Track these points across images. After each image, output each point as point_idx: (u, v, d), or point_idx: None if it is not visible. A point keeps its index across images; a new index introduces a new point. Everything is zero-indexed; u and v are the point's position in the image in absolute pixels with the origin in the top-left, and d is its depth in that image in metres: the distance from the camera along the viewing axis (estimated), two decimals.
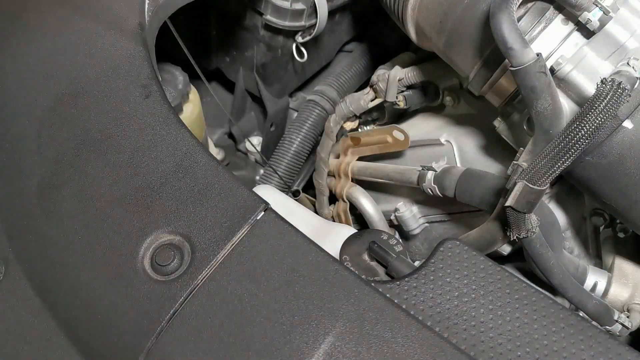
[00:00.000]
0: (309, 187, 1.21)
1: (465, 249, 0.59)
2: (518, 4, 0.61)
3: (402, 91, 0.99)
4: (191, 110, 0.97)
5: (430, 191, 0.84)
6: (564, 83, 0.65)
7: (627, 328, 0.73)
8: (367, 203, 1.02)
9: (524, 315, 0.54)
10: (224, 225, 0.57)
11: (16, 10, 0.73)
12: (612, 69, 0.62)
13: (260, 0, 0.99)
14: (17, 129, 0.65)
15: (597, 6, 0.62)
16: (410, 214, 0.98)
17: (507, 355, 0.52)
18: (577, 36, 0.66)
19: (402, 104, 0.98)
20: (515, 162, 0.66)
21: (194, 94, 0.98)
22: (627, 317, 0.73)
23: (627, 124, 0.61)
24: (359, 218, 1.09)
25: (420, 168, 0.87)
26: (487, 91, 0.75)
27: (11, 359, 0.56)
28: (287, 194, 1.11)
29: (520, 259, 0.84)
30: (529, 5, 0.68)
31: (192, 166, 0.60)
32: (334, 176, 1.12)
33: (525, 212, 0.62)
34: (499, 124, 0.75)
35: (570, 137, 0.56)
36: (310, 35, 1.03)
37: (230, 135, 1.31)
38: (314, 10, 1.00)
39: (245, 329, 0.52)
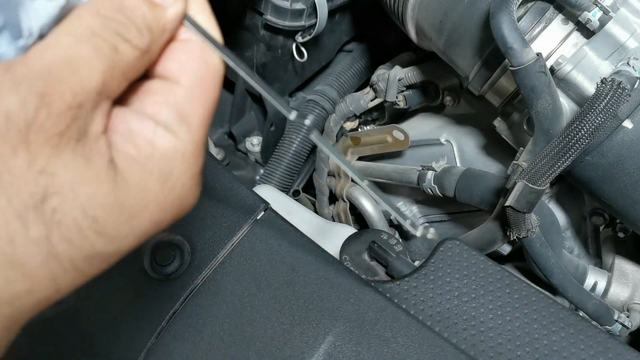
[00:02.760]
0: (309, 187, 1.21)
1: (465, 248, 0.59)
2: (518, 4, 0.61)
3: (402, 91, 0.98)
4: None
5: (430, 191, 0.84)
6: (564, 83, 0.65)
7: (627, 328, 0.73)
8: (367, 203, 1.02)
9: (524, 315, 0.54)
10: (224, 225, 0.57)
11: None
12: (612, 69, 0.62)
13: (260, 0, 0.99)
14: None
15: (597, 6, 0.62)
16: (410, 214, 0.98)
17: (507, 355, 0.52)
18: (577, 36, 0.66)
19: (402, 104, 0.98)
20: (515, 162, 0.66)
21: None
22: (627, 316, 0.73)
23: (627, 123, 0.61)
24: (359, 218, 1.09)
25: (420, 168, 0.88)
26: (487, 91, 0.75)
27: (12, 356, 0.56)
28: (287, 194, 1.11)
29: (520, 259, 0.84)
30: (529, 5, 0.68)
31: None
32: (333, 176, 1.12)
33: (525, 211, 0.62)
34: (499, 123, 0.75)
35: (570, 137, 0.56)
36: (310, 35, 1.03)
37: (230, 135, 1.31)
38: (314, 10, 1.00)
39: (245, 328, 0.52)
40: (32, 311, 0.25)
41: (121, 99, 0.27)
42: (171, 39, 0.28)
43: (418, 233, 0.31)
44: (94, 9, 0.24)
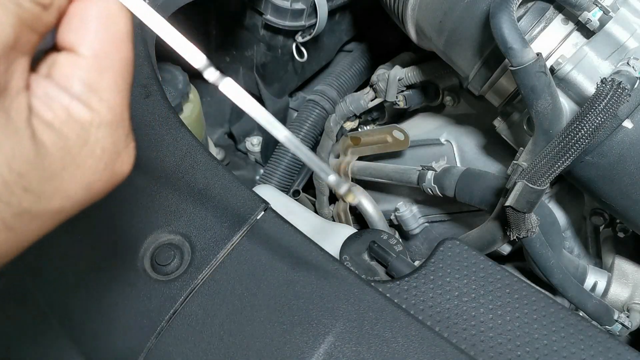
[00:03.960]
0: (309, 187, 1.21)
1: (465, 248, 0.59)
2: (518, 3, 0.61)
3: (402, 91, 0.98)
4: (191, 110, 0.97)
5: (430, 191, 0.84)
6: (564, 83, 0.65)
7: (627, 328, 0.73)
8: (367, 203, 1.02)
9: (524, 315, 0.54)
10: (224, 225, 0.57)
11: None
12: (612, 69, 0.62)
13: (260, 0, 0.99)
14: None
15: (597, 6, 0.62)
16: (410, 213, 0.98)
17: (507, 355, 0.52)
18: (577, 36, 0.66)
19: (402, 104, 0.98)
20: (515, 161, 0.66)
21: (194, 94, 0.98)
22: (627, 316, 0.73)
23: (627, 123, 0.61)
24: (359, 218, 1.09)
25: (420, 168, 0.87)
26: (487, 91, 0.75)
27: (12, 357, 0.56)
28: (287, 194, 1.11)
29: (520, 259, 0.84)
30: (529, 5, 0.68)
31: (192, 166, 0.60)
32: None
33: (525, 211, 0.62)
34: (499, 123, 0.75)
35: (570, 136, 0.56)
36: (310, 35, 1.03)
37: (230, 135, 1.31)
38: (314, 10, 1.00)
39: (245, 328, 0.52)
40: None
41: (36, 69, 0.28)
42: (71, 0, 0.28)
43: (342, 190, 0.31)
44: None
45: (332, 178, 0.30)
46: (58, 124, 0.26)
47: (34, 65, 0.28)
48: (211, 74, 0.29)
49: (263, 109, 0.29)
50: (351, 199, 0.31)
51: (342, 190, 0.30)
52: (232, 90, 0.29)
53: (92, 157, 0.28)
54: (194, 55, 0.28)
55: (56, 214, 0.28)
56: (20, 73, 0.26)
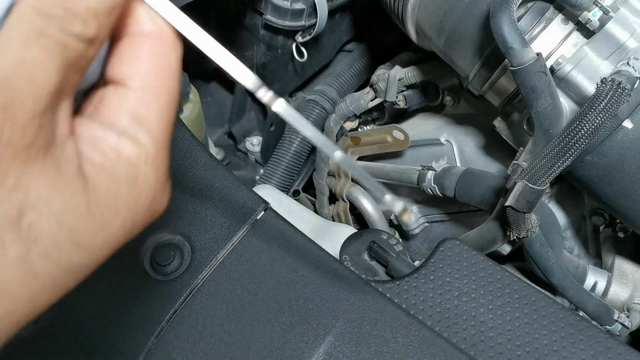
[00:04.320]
0: (309, 187, 1.21)
1: (465, 248, 0.59)
2: (518, 3, 0.61)
3: (402, 91, 0.98)
4: (191, 110, 0.97)
5: (430, 191, 0.84)
6: (564, 83, 0.65)
7: (627, 328, 0.73)
8: (367, 203, 1.02)
9: (524, 315, 0.54)
10: (224, 225, 0.57)
11: None
12: (612, 69, 0.62)
13: (260, 0, 0.99)
14: None
15: (597, 6, 0.62)
16: (410, 214, 0.98)
17: (507, 355, 0.52)
18: (577, 36, 0.66)
19: (402, 104, 0.98)
20: (515, 161, 0.66)
21: (194, 94, 0.98)
22: (627, 316, 0.73)
23: (627, 123, 0.61)
24: (359, 218, 1.09)
25: (420, 168, 0.87)
26: (487, 91, 0.75)
27: (12, 357, 0.56)
28: (287, 194, 1.10)
29: (520, 259, 0.84)
30: (529, 5, 0.68)
31: (192, 166, 0.60)
32: (333, 176, 1.12)
33: (525, 211, 0.62)
34: (499, 123, 0.75)
35: (570, 136, 0.56)
36: (310, 35, 1.03)
37: (230, 135, 1.31)
38: (314, 10, 1.00)
39: (245, 328, 0.52)
40: (8, 333, 0.25)
41: (80, 110, 0.27)
42: (118, 36, 0.27)
43: (397, 209, 0.31)
44: (35, 8, 0.23)
45: (388, 197, 0.30)
46: (110, 165, 0.25)
47: (74, 106, 0.27)
48: (264, 94, 0.28)
49: (316, 129, 0.29)
50: (407, 218, 0.33)
51: (397, 209, 0.31)
52: (284, 110, 0.29)
53: (140, 197, 0.27)
54: (245, 76, 0.28)
55: (99, 263, 0.27)
56: (64, 118, 0.24)
